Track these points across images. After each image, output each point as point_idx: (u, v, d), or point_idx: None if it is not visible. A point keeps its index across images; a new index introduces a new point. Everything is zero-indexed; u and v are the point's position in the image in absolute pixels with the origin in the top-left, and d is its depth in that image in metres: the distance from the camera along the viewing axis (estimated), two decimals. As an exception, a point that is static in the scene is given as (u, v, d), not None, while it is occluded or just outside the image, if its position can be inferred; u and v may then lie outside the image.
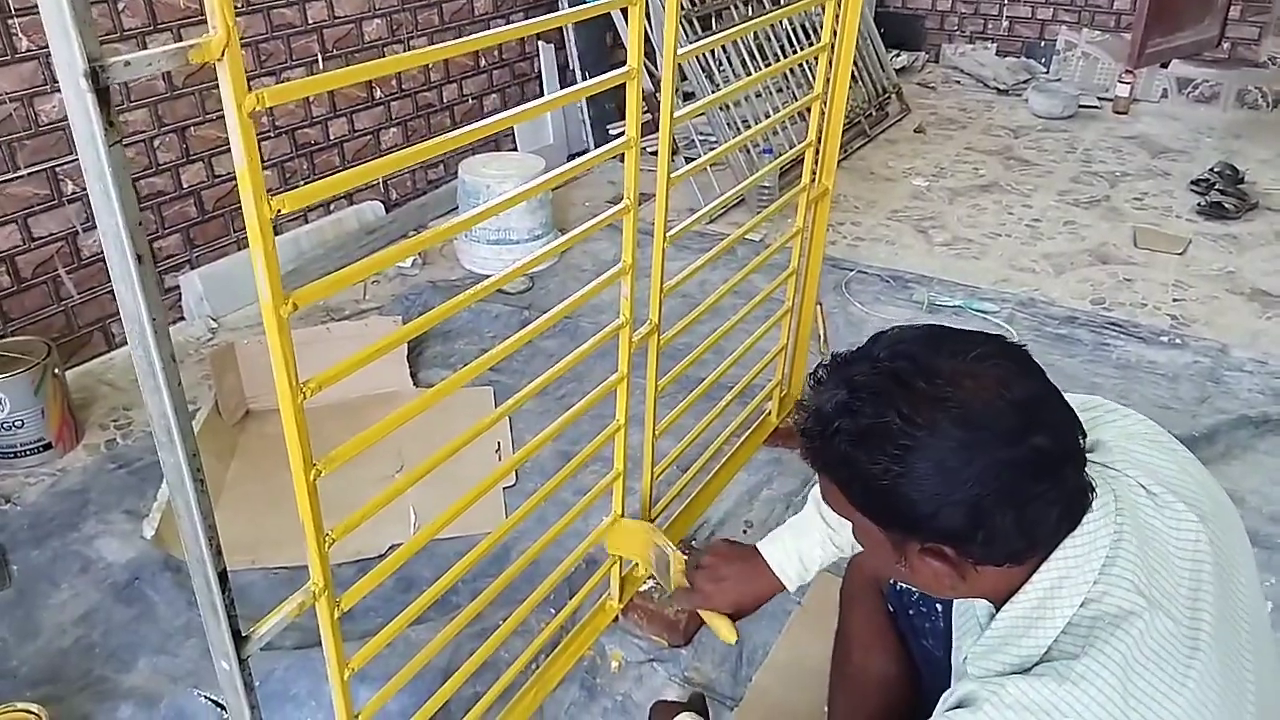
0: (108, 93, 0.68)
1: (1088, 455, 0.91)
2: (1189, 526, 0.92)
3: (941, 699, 0.92)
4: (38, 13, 0.66)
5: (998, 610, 0.93)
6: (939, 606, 1.29)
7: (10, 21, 2.31)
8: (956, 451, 0.84)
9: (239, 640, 0.93)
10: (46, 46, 2.36)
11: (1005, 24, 5.42)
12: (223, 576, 0.89)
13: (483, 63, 3.72)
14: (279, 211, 0.81)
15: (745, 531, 2.07)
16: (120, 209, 0.71)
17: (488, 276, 1.28)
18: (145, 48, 2.56)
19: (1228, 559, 0.93)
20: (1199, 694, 0.84)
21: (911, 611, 1.33)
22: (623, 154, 1.39)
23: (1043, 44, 5.33)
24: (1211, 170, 3.90)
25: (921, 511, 0.86)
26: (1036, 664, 0.88)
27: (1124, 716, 0.81)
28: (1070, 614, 0.87)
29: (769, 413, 2.35)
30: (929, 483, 0.85)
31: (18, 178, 2.42)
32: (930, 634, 1.30)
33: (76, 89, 0.67)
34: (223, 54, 0.73)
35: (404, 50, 3.34)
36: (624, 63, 1.30)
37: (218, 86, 0.76)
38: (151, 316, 0.74)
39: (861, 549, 1.00)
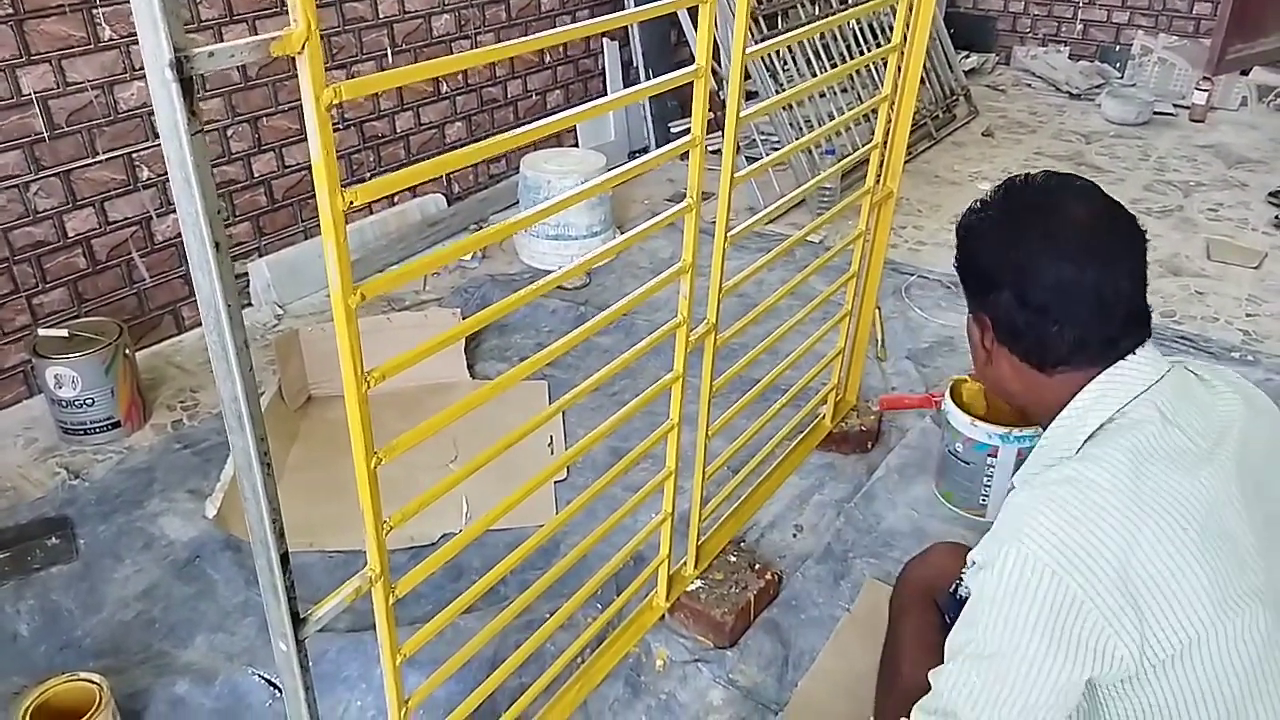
0: (191, 83, 0.70)
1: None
2: (1231, 403, 1.07)
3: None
4: (122, 3, 0.68)
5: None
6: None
7: (95, 11, 2.39)
8: (1016, 221, 1.09)
9: (297, 622, 0.95)
10: (128, 36, 2.44)
11: (1079, 27, 5.30)
12: (284, 559, 0.91)
13: (547, 59, 3.74)
14: (351, 204, 0.83)
15: (795, 535, 2.06)
16: (200, 196, 0.73)
17: (546, 271, 1.29)
18: (221, 39, 2.63)
19: (1267, 447, 1.05)
20: (1210, 489, 0.97)
21: (966, 623, 1.31)
22: (686, 152, 1.39)
23: (1117, 48, 5.19)
24: (1292, 182, 3.77)
25: (981, 264, 1.12)
26: None
27: (1135, 485, 0.96)
28: (1101, 420, 1.04)
29: (823, 417, 2.32)
30: (991, 238, 1.11)
31: (96, 163, 2.50)
32: (984, 647, 1.28)
33: (162, 78, 0.69)
34: (303, 47, 0.74)
35: (471, 45, 3.38)
36: (687, 61, 1.30)
37: (290, 78, 0.78)
38: (226, 303, 0.76)
39: None
